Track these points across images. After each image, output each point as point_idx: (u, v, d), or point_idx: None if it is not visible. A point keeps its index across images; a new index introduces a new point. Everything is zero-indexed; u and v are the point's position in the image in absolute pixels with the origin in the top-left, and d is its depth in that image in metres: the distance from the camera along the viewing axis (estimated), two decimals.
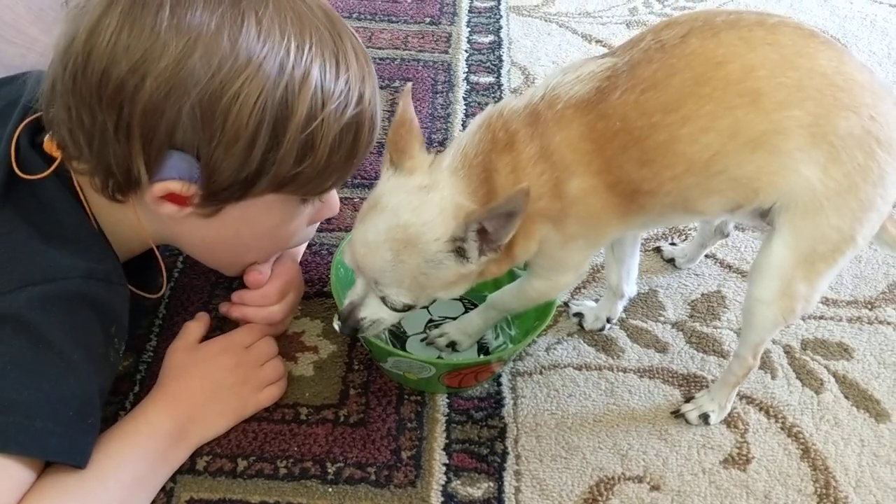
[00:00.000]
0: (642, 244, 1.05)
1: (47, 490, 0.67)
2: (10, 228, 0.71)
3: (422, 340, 0.92)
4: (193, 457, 0.80)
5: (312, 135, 0.71)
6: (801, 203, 0.70)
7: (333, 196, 0.86)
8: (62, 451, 0.67)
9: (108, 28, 0.67)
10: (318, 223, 0.93)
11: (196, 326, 0.86)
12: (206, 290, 0.96)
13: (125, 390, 0.85)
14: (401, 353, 0.85)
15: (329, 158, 0.73)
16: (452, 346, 0.91)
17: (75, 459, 0.68)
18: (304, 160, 0.72)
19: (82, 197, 0.75)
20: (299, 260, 0.96)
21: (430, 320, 0.94)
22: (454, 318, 0.93)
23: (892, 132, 0.69)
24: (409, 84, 0.79)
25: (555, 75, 0.73)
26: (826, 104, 0.68)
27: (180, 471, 0.78)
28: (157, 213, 0.74)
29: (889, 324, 0.98)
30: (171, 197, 0.72)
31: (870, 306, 1.00)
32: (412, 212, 0.71)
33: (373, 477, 0.80)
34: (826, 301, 1.00)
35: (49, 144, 0.74)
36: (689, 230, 1.07)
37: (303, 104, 0.70)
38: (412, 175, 0.73)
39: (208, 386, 0.81)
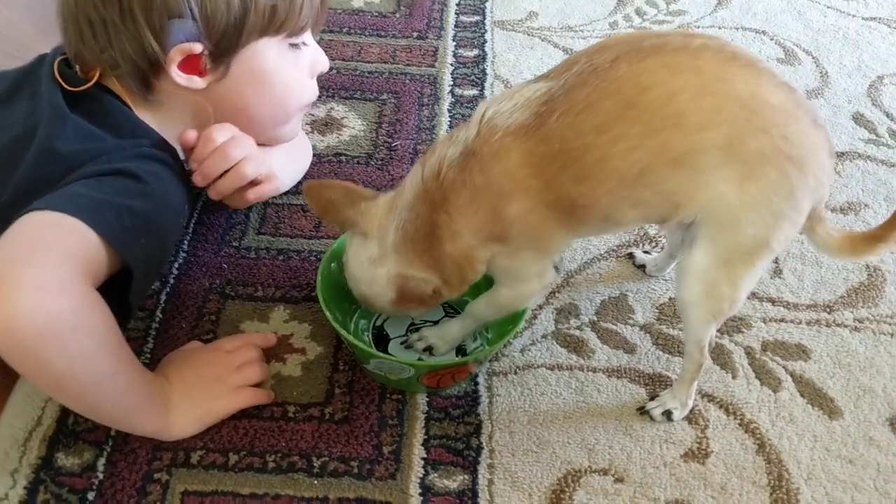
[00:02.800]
0: (615, 250, 1.11)
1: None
2: (84, 125, 0.86)
3: (401, 343, 0.97)
4: (188, 451, 0.85)
5: None
6: (719, 216, 0.77)
7: (322, 53, 1.04)
8: (116, 239, 0.77)
9: None
10: (317, 82, 1.06)
11: (196, 342, 0.95)
12: (201, 295, 1.02)
13: None
14: (381, 354, 0.90)
15: None
16: (429, 350, 0.96)
17: (125, 251, 0.78)
18: None
19: (129, 106, 0.91)
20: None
21: (412, 323, 1.00)
22: (435, 322, 0.99)
23: (803, 150, 0.75)
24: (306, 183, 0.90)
25: (487, 107, 0.79)
26: (739, 126, 0.73)
27: (175, 464, 0.84)
28: (186, 94, 0.91)
29: (846, 326, 1.03)
30: (188, 64, 0.89)
31: (828, 310, 1.05)
32: (367, 284, 0.86)
33: (356, 470, 0.85)
34: (787, 305, 1.06)
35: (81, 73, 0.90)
36: (662, 237, 1.12)
37: None
38: (366, 240, 0.85)
39: (188, 375, 0.88)
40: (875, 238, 0.85)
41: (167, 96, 0.92)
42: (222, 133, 0.95)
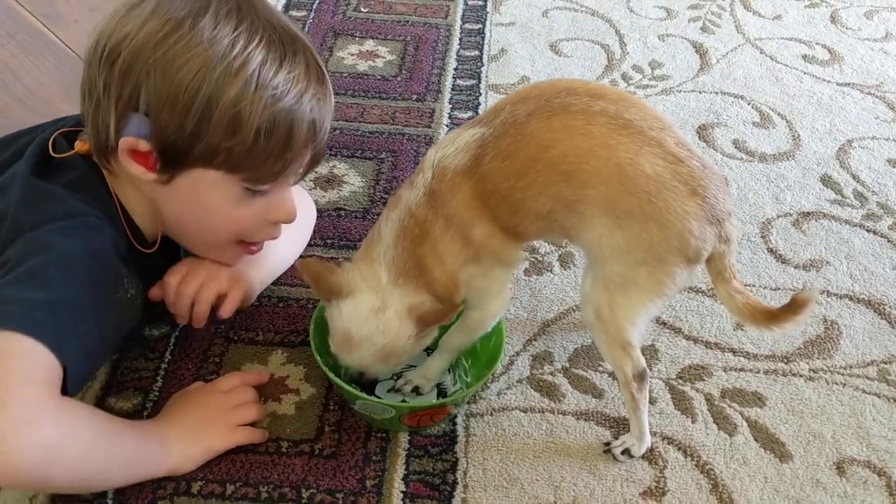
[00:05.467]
0: None
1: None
2: (41, 187, 0.89)
3: (389, 391, 1.06)
4: (189, 481, 0.94)
5: (240, 112, 0.87)
6: (595, 251, 0.92)
7: (290, 202, 1.00)
8: (50, 337, 0.78)
9: (114, 17, 0.90)
10: (281, 225, 1.03)
11: (199, 383, 1.04)
12: (207, 339, 1.11)
13: None
14: (365, 396, 0.99)
15: (257, 141, 0.89)
16: (416, 390, 1.05)
17: (61, 350, 0.78)
18: (234, 136, 0.88)
19: (108, 181, 0.94)
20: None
21: None
22: (415, 366, 1.08)
23: (667, 214, 0.87)
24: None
25: (435, 152, 0.93)
26: (614, 188, 0.87)
27: (178, 493, 0.93)
28: (134, 180, 0.92)
29: (801, 376, 1.11)
30: (138, 157, 0.90)
31: (786, 360, 1.13)
32: (382, 334, 0.92)
33: (340, 502, 0.94)
34: (747, 355, 1.14)
35: (79, 145, 0.94)
36: None
37: (236, 84, 0.87)
38: (357, 297, 0.93)
39: (189, 414, 0.97)
40: (772, 316, 0.94)
41: (125, 171, 0.93)
42: (175, 275, 1.03)
